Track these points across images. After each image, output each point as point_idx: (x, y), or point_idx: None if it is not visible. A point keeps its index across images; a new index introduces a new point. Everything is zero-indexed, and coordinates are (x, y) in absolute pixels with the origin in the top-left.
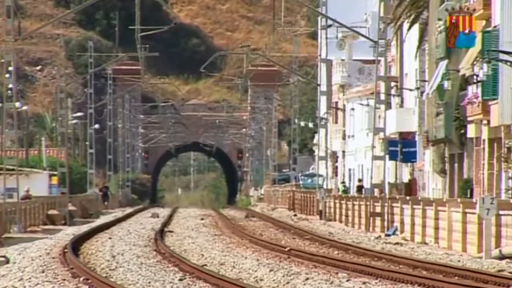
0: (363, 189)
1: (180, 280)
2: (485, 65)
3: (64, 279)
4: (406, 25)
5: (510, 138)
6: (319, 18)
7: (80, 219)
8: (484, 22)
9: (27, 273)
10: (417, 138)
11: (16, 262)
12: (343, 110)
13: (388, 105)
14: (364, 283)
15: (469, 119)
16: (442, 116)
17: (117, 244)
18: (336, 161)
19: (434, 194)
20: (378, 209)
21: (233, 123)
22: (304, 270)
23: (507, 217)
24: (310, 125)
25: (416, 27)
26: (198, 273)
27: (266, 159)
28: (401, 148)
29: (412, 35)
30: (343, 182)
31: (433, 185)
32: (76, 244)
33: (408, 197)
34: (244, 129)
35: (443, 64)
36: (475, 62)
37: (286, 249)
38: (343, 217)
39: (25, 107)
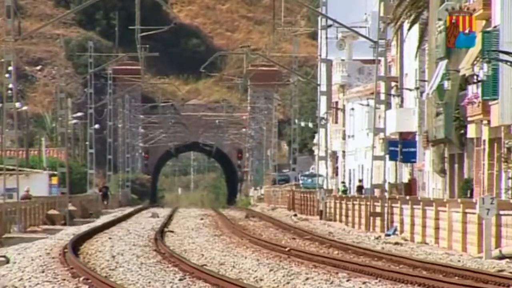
0: (363, 190)
1: (180, 280)
2: (485, 65)
3: (64, 279)
4: (406, 25)
5: (510, 138)
6: (319, 18)
7: (80, 219)
8: (484, 22)
9: (27, 273)
10: (417, 138)
11: (16, 262)
12: (343, 110)
13: (388, 105)
14: (364, 283)
15: (469, 119)
16: (442, 116)
17: (117, 244)
18: (336, 161)
19: (434, 194)
20: (378, 209)
21: (233, 123)
22: (304, 270)
23: (507, 217)
24: (310, 125)
25: (416, 27)
26: (198, 273)
27: (266, 159)
28: (401, 148)
29: (412, 35)
30: (343, 182)
31: (433, 185)
32: (76, 244)
33: (408, 197)
34: (244, 129)
35: (443, 64)
36: (475, 62)
37: (286, 249)
38: (343, 217)
39: (25, 107)
